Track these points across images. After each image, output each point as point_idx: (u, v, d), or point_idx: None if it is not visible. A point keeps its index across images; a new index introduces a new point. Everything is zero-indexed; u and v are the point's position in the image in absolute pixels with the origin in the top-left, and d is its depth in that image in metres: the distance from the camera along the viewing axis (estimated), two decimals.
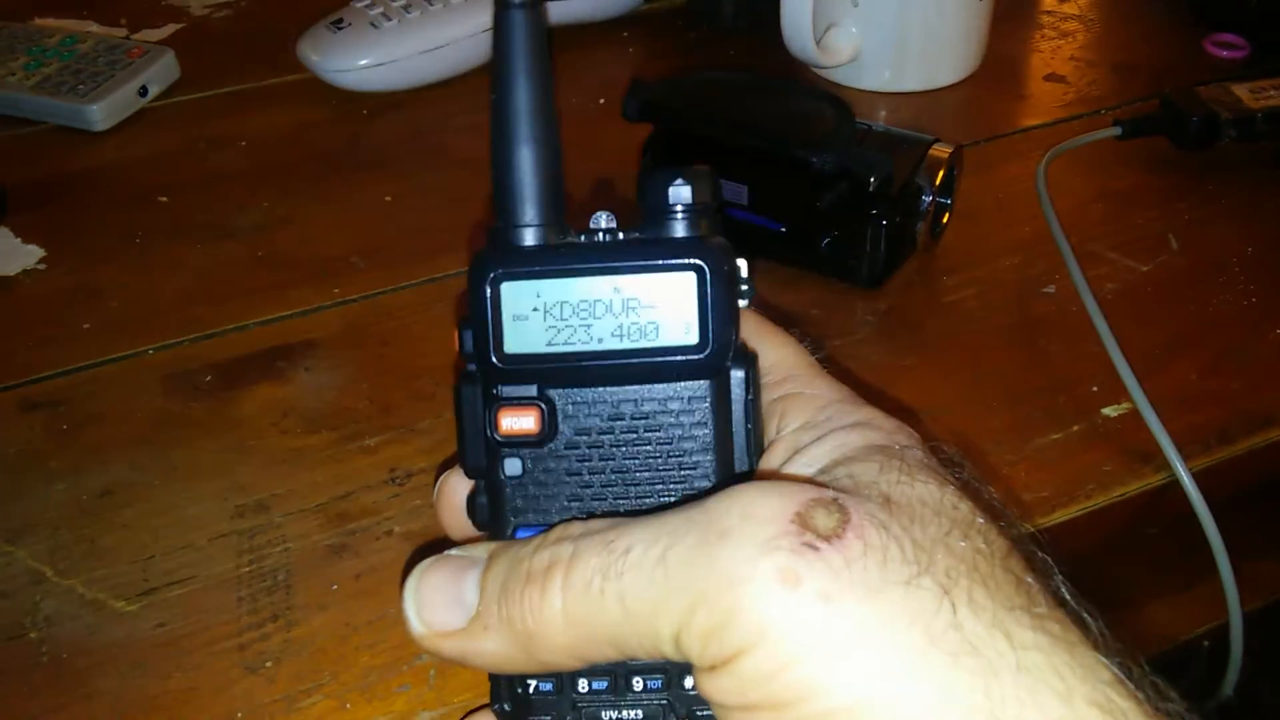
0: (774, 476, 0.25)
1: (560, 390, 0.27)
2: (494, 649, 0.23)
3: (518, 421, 0.27)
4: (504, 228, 0.27)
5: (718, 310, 0.26)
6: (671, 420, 0.27)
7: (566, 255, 0.26)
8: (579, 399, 0.27)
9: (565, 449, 0.27)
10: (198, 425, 0.43)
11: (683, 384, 0.26)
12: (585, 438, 0.27)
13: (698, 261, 0.25)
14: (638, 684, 0.26)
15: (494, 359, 0.26)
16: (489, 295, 0.26)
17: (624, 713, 0.27)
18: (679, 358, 0.26)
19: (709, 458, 0.26)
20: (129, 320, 0.47)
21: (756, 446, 0.27)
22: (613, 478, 0.27)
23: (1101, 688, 0.21)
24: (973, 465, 0.26)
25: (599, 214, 0.27)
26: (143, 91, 0.60)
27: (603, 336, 0.26)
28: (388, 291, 0.49)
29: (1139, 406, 0.41)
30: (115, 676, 0.35)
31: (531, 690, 0.27)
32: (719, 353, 0.26)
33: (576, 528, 0.24)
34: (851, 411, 0.27)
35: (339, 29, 0.60)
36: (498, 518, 0.27)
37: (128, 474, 0.41)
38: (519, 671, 0.25)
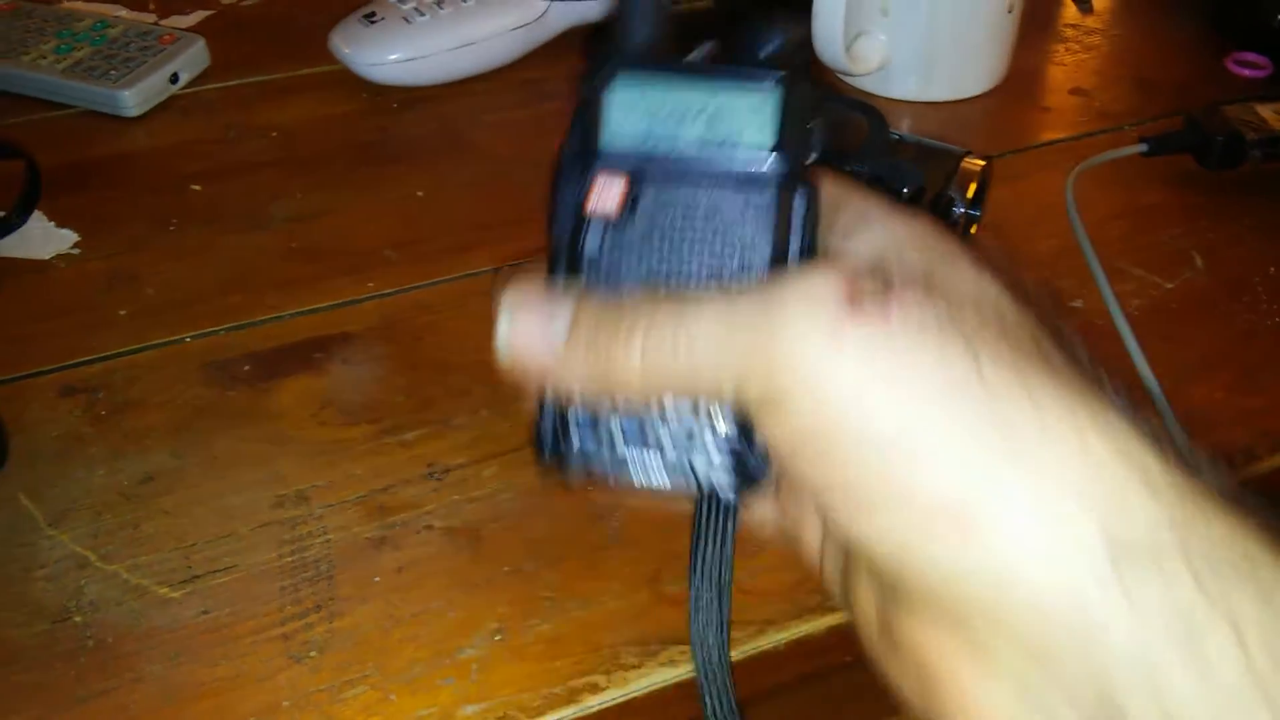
0: (831, 257, 0.28)
1: (645, 185, 0.30)
2: (572, 381, 0.27)
3: (604, 201, 0.31)
4: (615, 45, 0.31)
5: (793, 133, 0.30)
6: (736, 223, 0.31)
7: (666, 70, 0.30)
8: (659, 194, 0.31)
9: (639, 236, 0.30)
10: (237, 414, 0.43)
11: (752, 193, 0.30)
12: (659, 228, 0.31)
13: (780, 86, 0.30)
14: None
15: (593, 148, 0.30)
16: (597, 93, 0.30)
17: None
18: (752, 169, 0.30)
19: (764, 260, 0.30)
20: (166, 307, 0.48)
21: (808, 255, 0.30)
22: (676, 266, 0.31)
23: (1120, 439, 0.23)
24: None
25: (702, 46, 0.33)
26: (174, 78, 0.61)
27: (689, 141, 0.30)
28: (422, 286, 0.49)
29: (1165, 423, 0.41)
30: (161, 662, 0.35)
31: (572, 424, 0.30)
32: (788, 170, 0.30)
33: (648, 295, 0.27)
34: (891, 212, 0.29)
35: (372, 22, 0.61)
36: (578, 270, 0.31)
37: (168, 461, 0.41)
38: (588, 396, 0.28)
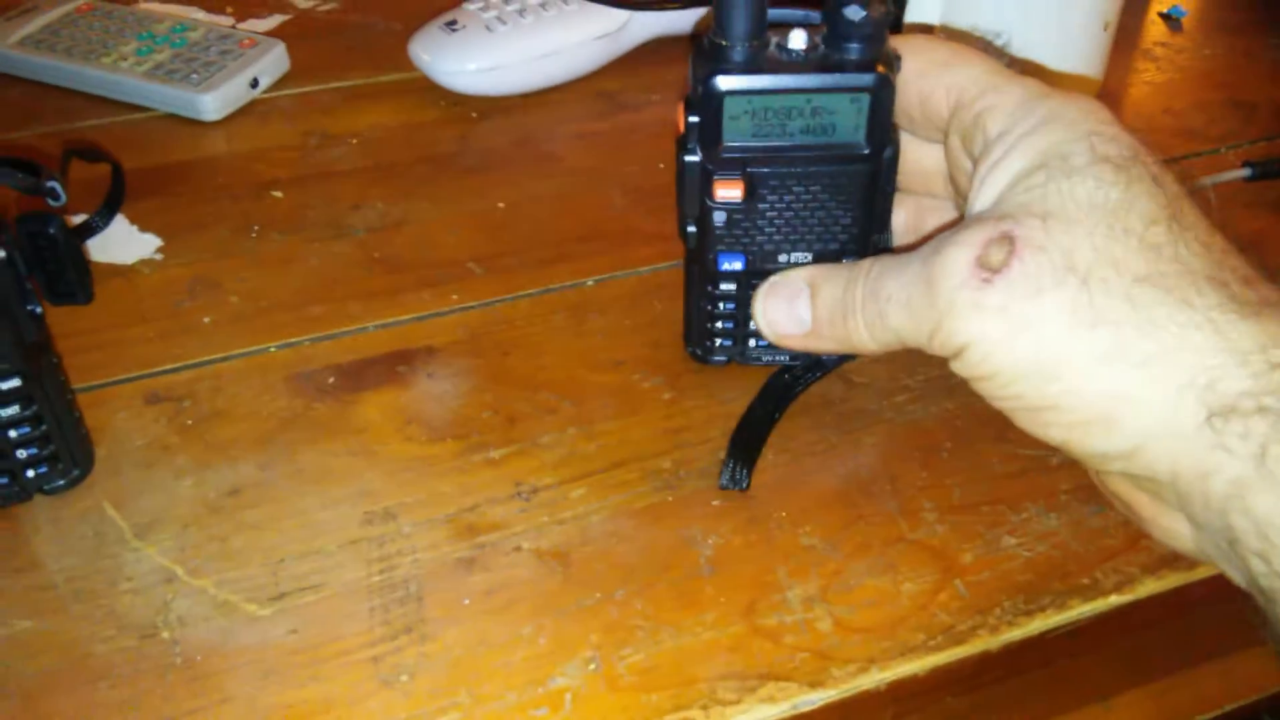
0: (968, 220, 0.34)
1: (759, 169, 0.39)
2: (824, 350, 0.39)
3: (728, 191, 0.39)
4: (719, 40, 0.37)
5: (880, 119, 0.38)
6: (835, 193, 0.39)
7: (772, 71, 0.37)
8: (773, 174, 0.39)
9: (758, 207, 0.39)
10: (323, 427, 0.42)
11: (849, 168, 0.39)
12: (773, 201, 0.39)
13: (869, 86, 0.37)
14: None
15: (714, 148, 0.38)
16: (714, 103, 0.37)
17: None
18: (848, 150, 0.38)
19: (857, 219, 0.40)
20: (249, 316, 0.47)
21: (887, 211, 0.40)
22: (787, 229, 0.40)
23: (1218, 328, 0.29)
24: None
25: (797, 31, 0.37)
26: (254, 83, 0.60)
27: (794, 132, 0.38)
28: (506, 300, 0.49)
29: None
30: (250, 682, 0.34)
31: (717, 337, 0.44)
32: (877, 150, 0.38)
33: (861, 275, 0.36)
34: (1035, 110, 0.34)
35: (453, 30, 0.60)
36: (704, 245, 0.41)
37: (255, 473, 0.40)
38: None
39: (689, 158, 0.39)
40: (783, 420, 0.43)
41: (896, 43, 0.38)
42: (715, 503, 0.40)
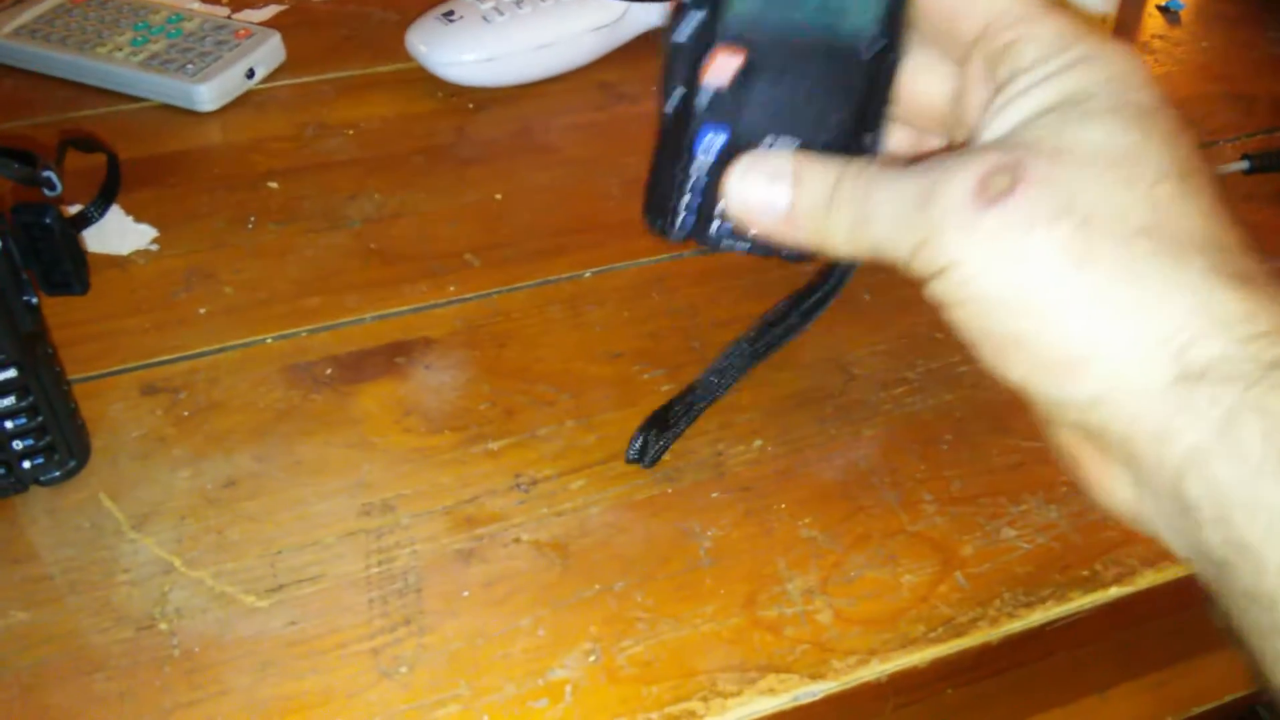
0: (978, 147, 0.33)
1: (763, 43, 0.36)
2: (793, 241, 0.35)
3: (727, 61, 0.36)
4: None
5: (896, 10, 0.35)
6: (835, 83, 0.37)
7: None
8: (774, 51, 0.36)
9: (754, 84, 0.36)
10: (320, 418, 0.42)
11: (856, 57, 0.36)
12: (769, 79, 0.36)
13: None
14: None
15: (717, 14, 0.35)
16: None
17: None
18: (857, 39, 0.35)
19: (854, 113, 0.37)
20: (246, 307, 0.47)
21: (883, 109, 0.37)
22: (779, 112, 0.37)
23: (1204, 294, 0.28)
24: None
25: None
26: (250, 74, 0.60)
27: (805, 10, 0.36)
28: (502, 291, 0.48)
29: None
30: (248, 674, 0.34)
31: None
32: (889, 43, 0.35)
33: (853, 173, 0.34)
34: (1071, 47, 0.32)
35: (450, 21, 0.60)
36: (687, 113, 0.37)
37: (252, 465, 0.40)
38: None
39: (693, 12, 0.36)
40: (781, 412, 0.42)
41: None
42: (714, 495, 0.40)
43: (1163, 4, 0.72)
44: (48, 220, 0.35)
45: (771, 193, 0.36)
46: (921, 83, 0.39)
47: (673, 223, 0.41)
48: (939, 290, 0.32)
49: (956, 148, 0.33)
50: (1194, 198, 0.30)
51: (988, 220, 0.30)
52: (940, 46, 0.38)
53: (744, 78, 0.37)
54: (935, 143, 0.39)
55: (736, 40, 0.36)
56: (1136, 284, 0.29)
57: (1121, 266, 0.29)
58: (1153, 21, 0.71)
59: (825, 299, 0.42)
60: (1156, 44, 0.68)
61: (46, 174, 0.36)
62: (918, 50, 0.39)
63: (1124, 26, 0.68)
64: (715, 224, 0.41)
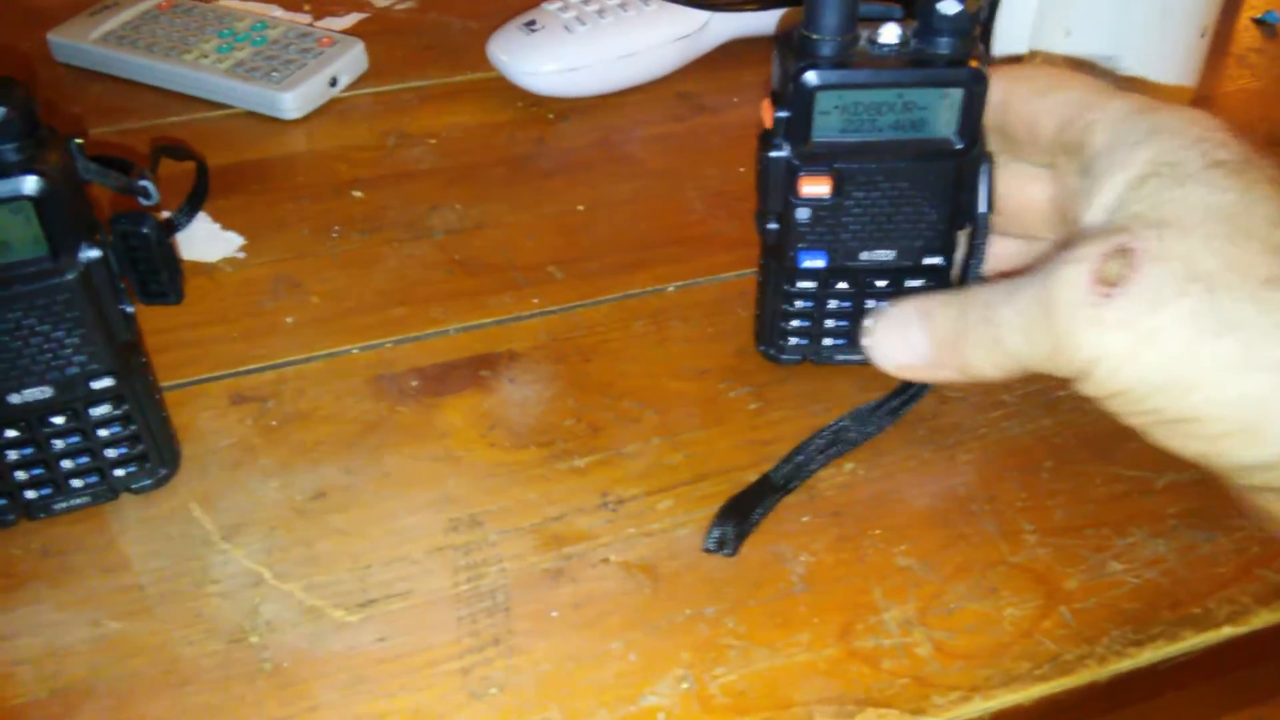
0: (1081, 236, 0.33)
1: (848, 165, 0.38)
2: (942, 377, 0.37)
3: (815, 188, 0.38)
4: (809, 34, 0.36)
5: (973, 117, 0.37)
6: (924, 189, 0.38)
7: (864, 66, 0.36)
8: (861, 170, 0.38)
9: (844, 204, 0.38)
10: (406, 430, 0.42)
11: (939, 164, 0.38)
12: (859, 197, 0.38)
13: (964, 80, 0.36)
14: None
15: (803, 144, 0.37)
16: (805, 98, 0.36)
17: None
18: (939, 146, 0.37)
19: (944, 215, 0.38)
20: (331, 316, 0.47)
21: (973, 205, 0.39)
22: (872, 226, 0.39)
23: None
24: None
25: (889, 25, 0.36)
26: (333, 82, 0.60)
27: (884, 128, 0.37)
28: (586, 305, 0.48)
29: None
30: (339, 690, 0.34)
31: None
32: (968, 144, 0.37)
33: (974, 300, 0.35)
34: (1141, 121, 0.33)
35: (532, 31, 0.59)
36: (784, 242, 0.40)
37: (340, 477, 0.40)
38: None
39: (775, 153, 0.38)
40: (875, 436, 0.41)
41: (999, 71, 0.38)
42: (805, 519, 0.39)
43: (1258, 16, 0.70)
44: (146, 230, 0.35)
45: (908, 341, 0.37)
46: (1020, 192, 0.40)
47: (785, 347, 0.43)
48: (1088, 389, 0.32)
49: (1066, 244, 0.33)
50: None
51: (1113, 311, 0.30)
52: (1029, 154, 0.39)
53: (834, 198, 0.38)
54: (1048, 248, 0.40)
55: (823, 164, 0.38)
56: None
57: (1260, 322, 0.29)
58: (1247, 35, 0.69)
59: (911, 400, 0.42)
60: (1253, 58, 0.66)
61: (143, 183, 0.37)
62: (1010, 163, 0.39)
63: (1218, 41, 0.66)
64: (826, 341, 0.43)
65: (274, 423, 0.42)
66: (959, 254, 0.41)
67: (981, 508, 0.39)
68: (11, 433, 0.36)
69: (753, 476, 0.40)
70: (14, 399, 0.35)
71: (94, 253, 0.34)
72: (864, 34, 0.37)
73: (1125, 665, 0.35)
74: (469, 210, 0.53)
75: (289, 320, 0.47)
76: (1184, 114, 0.33)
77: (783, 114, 0.37)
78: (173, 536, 0.38)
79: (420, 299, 0.48)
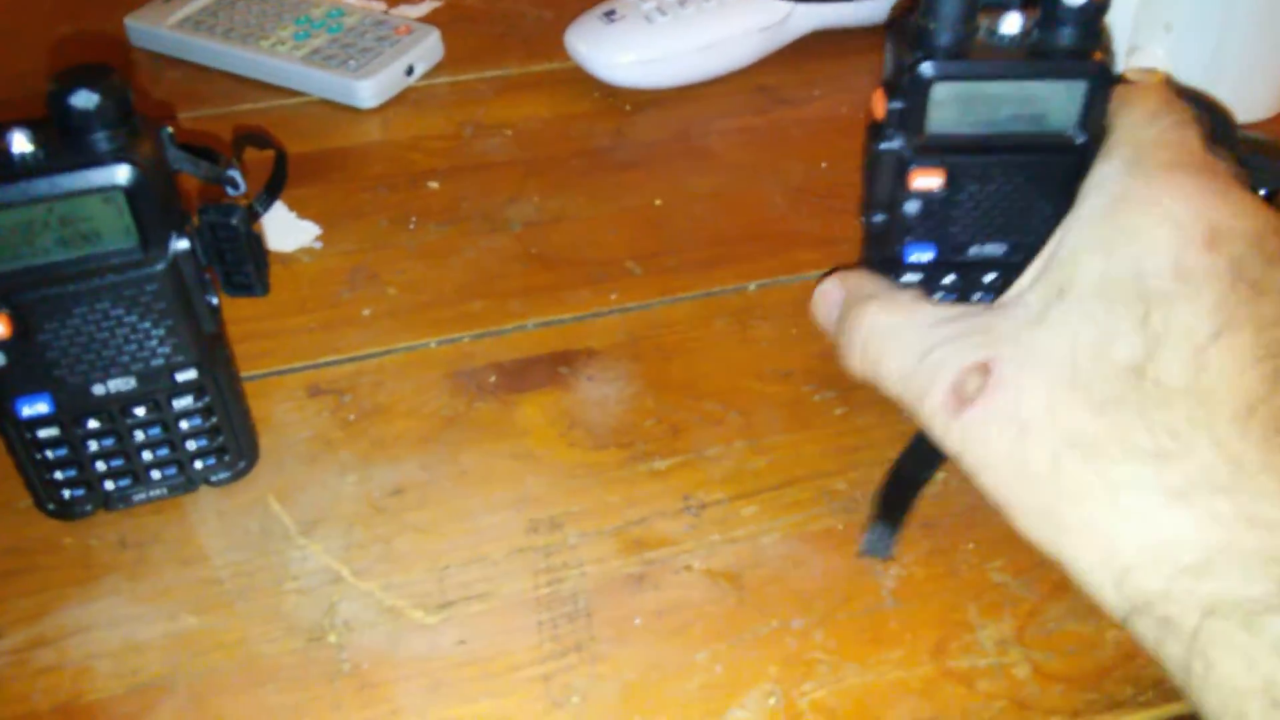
0: (962, 331, 0.35)
1: (962, 157, 0.37)
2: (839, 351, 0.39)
3: (927, 181, 0.37)
4: (927, 23, 0.35)
5: (1095, 111, 0.35)
6: (1039, 183, 0.37)
7: (983, 57, 0.35)
8: (975, 163, 0.37)
9: (956, 197, 0.37)
10: (485, 427, 0.41)
11: (1058, 158, 0.36)
12: (972, 191, 0.37)
13: (1088, 74, 0.35)
14: None
15: (916, 136, 0.36)
16: (921, 89, 0.35)
17: None
18: (1058, 140, 0.36)
19: (1059, 210, 0.36)
20: (409, 309, 0.46)
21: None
22: (983, 220, 0.38)
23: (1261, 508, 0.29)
24: None
25: (1011, 15, 0.35)
26: (409, 71, 0.60)
27: (1002, 120, 0.36)
28: (665, 302, 0.47)
29: None
30: (419, 694, 0.33)
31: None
32: (1090, 142, 0.36)
33: (863, 308, 0.38)
34: (1114, 223, 0.33)
35: (611, 20, 0.58)
36: (890, 235, 0.39)
37: (418, 473, 0.39)
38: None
39: (886, 145, 0.37)
40: None
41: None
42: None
43: None
44: (235, 221, 0.35)
45: (829, 312, 0.40)
46: None
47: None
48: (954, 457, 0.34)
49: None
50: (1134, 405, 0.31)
51: (956, 429, 0.33)
52: None
53: (946, 192, 0.37)
54: None
55: (936, 156, 0.37)
56: (1076, 504, 0.31)
57: (1050, 487, 0.31)
58: None
59: None
60: None
61: (232, 173, 0.36)
62: None
63: None
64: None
65: (351, 416, 0.42)
66: None
67: None
68: (94, 423, 0.36)
69: (841, 485, 0.39)
70: (98, 390, 0.35)
71: (183, 244, 0.33)
72: (984, 23, 0.35)
73: None
74: (546, 203, 0.52)
75: (366, 312, 0.46)
76: (1154, 226, 0.33)
77: (896, 105, 0.36)
78: (251, 530, 0.38)
79: (498, 293, 0.47)
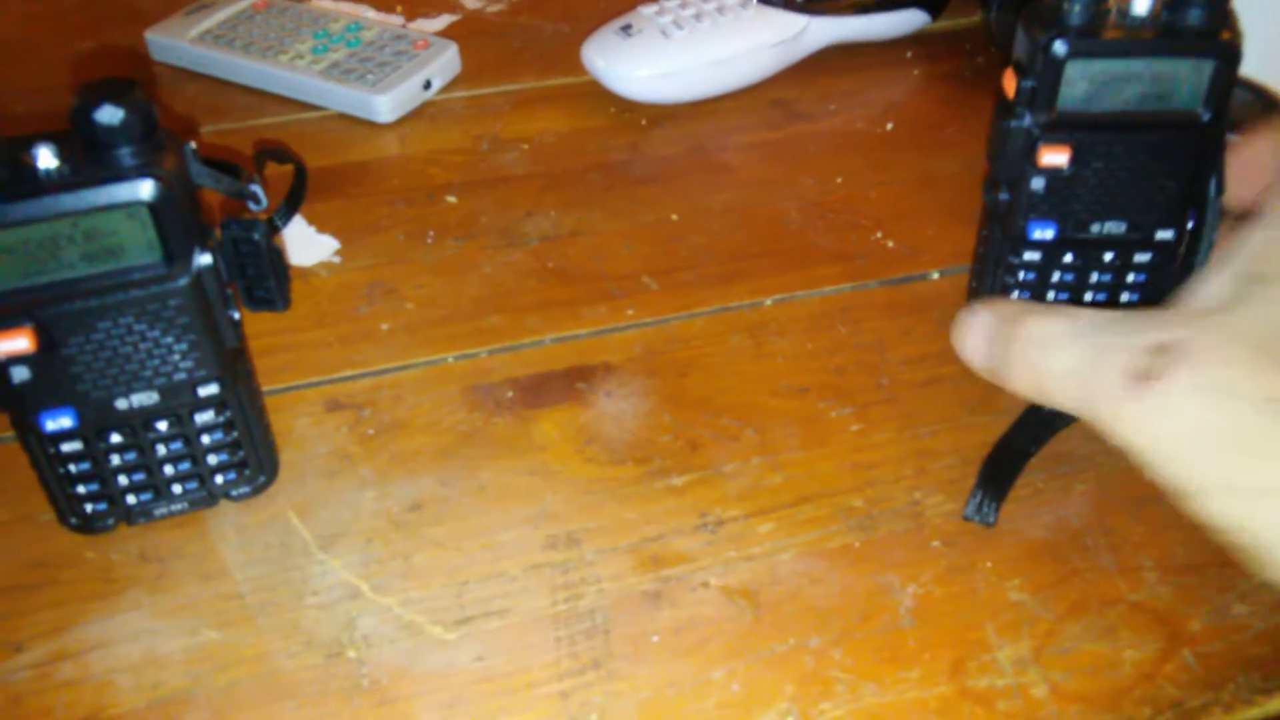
0: (1144, 319, 0.33)
1: (1089, 135, 0.38)
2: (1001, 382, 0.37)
3: (1054, 157, 0.38)
4: (1060, 2, 0.36)
5: (1222, 90, 0.36)
6: (1164, 160, 0.38)
7: (1114, 39, 0.36)
8: (1101, 141, 0.38)
9: (1081, 174, 0.38)
10: (502, 443, 0.41)
11: (1183, 136, 0.37)
12: (1098, 168, 0.38)
13: (1215, 52, 0.36)
14: None
15: (1046, 113, 0.37)
16: (1053, 67, 0.36)
17: None
18: (1185, 118, 0.37)
19: (1182, 188, 0.38)
20: (427, 324, 0.47)
21: (1210, 180, 0.38)
22: (1106, 198, 0.39)
23: None
24: None
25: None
26: (427, 85, 0.60)
27: (1130, 98, 0.37)
28: (682, 317, 0.47)
29: None
30: (438, 710, 0.33)
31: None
32: (1216, 121, 0.37)
33: (1040, 327, 0.35)
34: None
35: (628, 35, 0.59)
36: (1014, 212, 0.40)
37: (436, 489, 0.40)
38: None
39: (1016, 122, 0.38)
40: (983, 461, 0.40)
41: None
42: (913, 547, 0.38)
43: None
44: (257, 236, 0.35)
45: (971, 347, 0.37)
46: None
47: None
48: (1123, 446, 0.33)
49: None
50: None
51: (1132, 409, 0.32)
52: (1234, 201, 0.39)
53: (1071, 169, 0.38)
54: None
55: (1064, 134, 0.37)
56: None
57: (1254, 447, 0.30)
58: None
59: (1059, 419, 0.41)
60: None
61: (254, 188, 0.36)
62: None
63: None
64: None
65: (370, 431, 0.42)
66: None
67: (1097, 541, 0.38)
68: (116, 437, 0.36)
69: (857, 502, 0.39)
70: (120, 404, 0.35)
71: (206, 259, 0.34)
72: (1114, 4, 0.36)
73: (1254, 714, 0.33)
74: (563, 217, 0.52)
75: (384, 327, 0.46)
76: None
77: (1028, 83, 0.37)
78: (271, 545, 0.38)
79: (515, 308, 0.47)
